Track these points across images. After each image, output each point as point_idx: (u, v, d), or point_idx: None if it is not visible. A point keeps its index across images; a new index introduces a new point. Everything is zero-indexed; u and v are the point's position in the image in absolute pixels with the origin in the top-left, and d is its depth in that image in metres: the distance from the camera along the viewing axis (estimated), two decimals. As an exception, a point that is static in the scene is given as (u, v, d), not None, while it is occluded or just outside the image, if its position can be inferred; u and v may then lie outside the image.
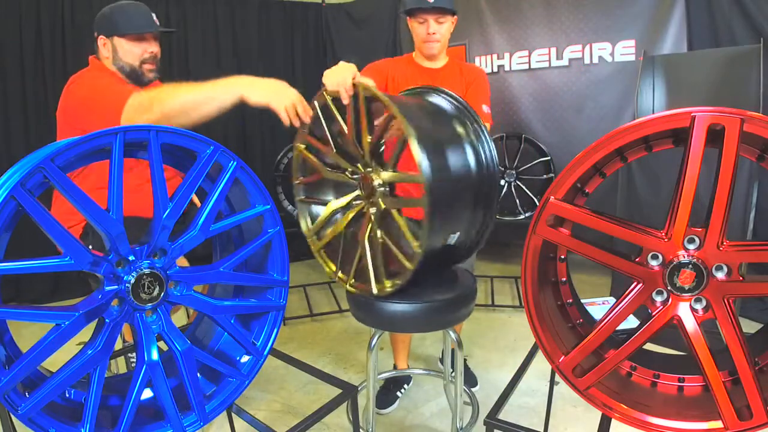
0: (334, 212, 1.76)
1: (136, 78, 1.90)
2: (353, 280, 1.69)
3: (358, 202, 1.67)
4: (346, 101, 1.55)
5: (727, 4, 3.23)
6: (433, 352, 2.89)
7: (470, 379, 2.54)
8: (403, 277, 1.53)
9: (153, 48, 1.91)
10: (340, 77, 1.54)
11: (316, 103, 1.62)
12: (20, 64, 3.60)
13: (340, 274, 1.75)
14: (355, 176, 1.65)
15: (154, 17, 1.90)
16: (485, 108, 2.19)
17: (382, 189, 1.56)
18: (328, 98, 1.60)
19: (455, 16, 2.17)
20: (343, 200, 1.73)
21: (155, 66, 1.93)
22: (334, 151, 1.66)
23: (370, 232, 1.61)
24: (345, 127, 1.59)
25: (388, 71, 2.17)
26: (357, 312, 1.77)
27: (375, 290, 1.59)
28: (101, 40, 1.89)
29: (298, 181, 1.83)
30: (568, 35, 3.88)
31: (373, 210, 1.59)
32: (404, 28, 4.69)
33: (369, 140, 1.53)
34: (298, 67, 4.88)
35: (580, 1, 3.79)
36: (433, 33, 2.11)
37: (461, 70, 2.24)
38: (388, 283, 1.57)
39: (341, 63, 1.60)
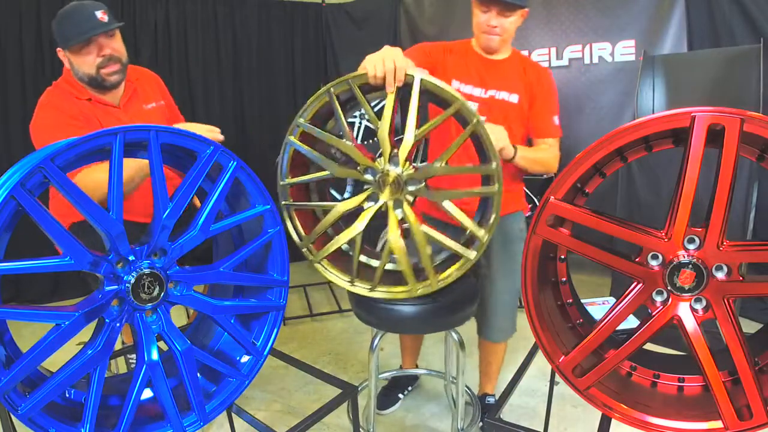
0: (341, 216, 1.62)
1: (98, 85, 1.79)
2: (384, 287, 1.63)
3: (370, 203, 1.58)
4: (391, 90, 1.46)
5: (727, 4, 3.23)
6: (433, 352, 2.89)
7: None
8: (463, 268, 1.54)
9: (106, 50, 1.75)
10: (390, 64, 1.45)
11: (332, 90, 1.50)
12: (20, 64, 3.60)
13: (357, 282, 1.64)
14: (368, 173, 1.55)
15: (99, 15, 1.71)
16: (556, 120, 1.98)
17: (420, 185, 1.52)
18: (355, 86, 1.49)
19: (525, 9, 1.90)
20: (354, 201, 1.59)
21: (118, 66, 1.79)
22: (353, 144, 1.53)
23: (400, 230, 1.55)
24: (377, 120, 1.50)
25: (437, 57, 1.95)
26: (359, 312, 1.77)
27: (420, 289, 1.57)
28: (60, 53, 1.79)
29: (284, 183, 1.63)
30: (568, 35, 3.87)
31: (399, 210, 1.55)
32: (404, 28, 4.70)
33: (416, 135, 1.47)
34: (298, 67, 4.87)
35: (580, 1, 3.78)
36: (495, 26, 1.86)
37: (525, 67, 1.99)
38: (443, 276, 1.56)
39: (387, 47, 1.51)
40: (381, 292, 1.62)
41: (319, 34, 4.98)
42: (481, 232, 1.49)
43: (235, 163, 1.20)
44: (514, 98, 1.93)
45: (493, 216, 1.48)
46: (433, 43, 2.03)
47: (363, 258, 1.70)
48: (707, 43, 3.34)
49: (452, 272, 1.56)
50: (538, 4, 3.97)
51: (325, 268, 1.66)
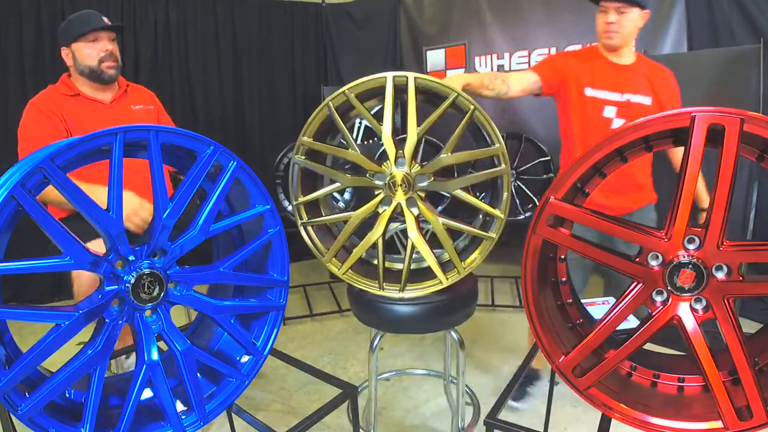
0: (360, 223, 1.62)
1: (97, 77, 2.02)
2: (413, 285, 1.64)
3: (384, 208, 1.60)
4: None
5: (727, 4, 3.23)
6: (433, 351, 2.89)
7: None
8: (485, 251, 1.58)
9: (108, 46, 2.03)
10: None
11: (331, 104, 1.52)
12: (20, 64, 3.60)
13: (386, 285, 1.65)
14: (377, 178, 1.57)
15: (105, 19, 2.04)
16: None
17: (430, 180, 1.55)
18: (352, 96, 1.50)
19: (646, 10, 1.99)
20: (368, 207, 1.61)
21: (115, 63, 2.05)
22: (358, 152, 1.56)
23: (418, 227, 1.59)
24: (378, 126, 1.52)
25: (565, 70, 2.07)
26: (359, 312, 1.77)
27: (446, 280, 1.59)
28: (64, 52, 2.04)
29: (298, 202, 1.66)
30: (568, 35, 3.87)
31: (414, 208, 1.57)
32: (404, 28, 4.71)
33: (418, 132, 1.49)
34: (298, 67, 4.88)
35: (580, 1, 3.78)
36: (611, 23, 1.96)
37: (651, 71, 2.08)
38: (468, 262, 1.59)
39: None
40: (412, 291, 1.64)
41: (319, 34, 4.98)
42: (498, 212, 1.55)
43: (235, 163, 1.20)
44: (647, 101, 2.01)
45: (505, 195, 1.53)
46: (560, 54, 2.12)
47: (376, 261, 1.71)
48: (707, 43, 3.34)
49: (476, 257, 1.60)
50: (538, 4, 3.98)
51: (352, 278, 1.68)
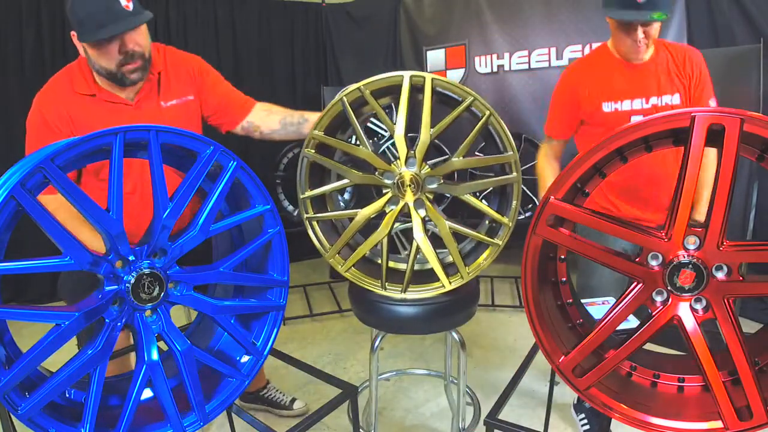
0: (366, 222, 1.62)
1: (117, 81, 1.56)
2: (415, 287, 1.63)
3: (392, 207, 1.59)
4: None
5: (727, 4, 3.22)
6: (433, 351, 2.90)
7: None
8: (491, 256, 1.58)
9: (129, 45, 1.49)
10: None
11: (345, 98, 1.50)
12: (20, 64, 3.59)
13: (388, 284, 1.64)
14: (387, 177, 1.57)
15: (123, 1, 1.43)
16: (712, 102, 1.84)
17: (440, 183, 1.55)
18: (367, 93, 1.49)
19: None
20: (376, 206, 1.59)
21: (140, 63, 1.54)
22: (370, 149, 1.55)
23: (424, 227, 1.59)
24: (391, 125, 1.52)
25: (575, 94, 1.88)
26: (360, 313, 1.77)
27: (449, 284, 1.59)
28: (73, 37, 1.52)
29: (304, 196, 1.64)
30: (568, 35, 3.87)
31: (421, 210, 1.58)
32: (404, 28, 4.71)
33: (431, 133, 1.49)
34: (298, 67, 4.88)
35: (580, 1, 3.78)
36: (641, 38, 1.74)
37: (671, 56, 1.86)
38: (473, 267, 1.59)
39: None
40: (414, 292, 1.63)
41: (319, 34, 4.98)
42: (505, 220, 1.56)
43: (235, 163, 1.20)
44: (676, 99, 1.84)
45: (514, 203, 1.55)
46: (563, 81, 1.94)
47: (380, 260, 1.71)
48: (707, 43, 3.34)
49: (481, 261, 1.60)
50: (538, 4, 3.97)
51: (355, 276, 1.67)
